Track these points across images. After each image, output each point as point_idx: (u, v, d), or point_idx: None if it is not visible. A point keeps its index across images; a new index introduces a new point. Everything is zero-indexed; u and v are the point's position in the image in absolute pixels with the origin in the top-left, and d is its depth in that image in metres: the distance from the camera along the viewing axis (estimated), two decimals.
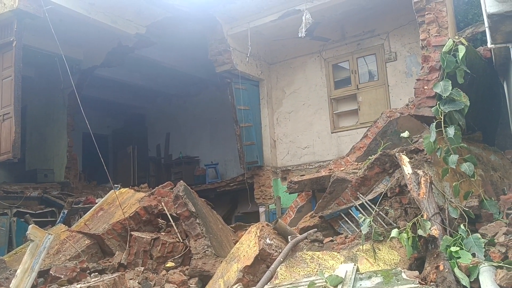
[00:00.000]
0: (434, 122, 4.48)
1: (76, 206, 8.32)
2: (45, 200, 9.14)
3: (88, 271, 5.45)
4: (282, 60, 11.10)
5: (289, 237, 4.95)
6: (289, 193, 7.08)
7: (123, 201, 6.80)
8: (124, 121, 15.28)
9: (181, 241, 6.45)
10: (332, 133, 10.33)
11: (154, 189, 7.48)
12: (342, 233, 5.17)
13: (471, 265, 3.34)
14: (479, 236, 3.57)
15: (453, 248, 3.51)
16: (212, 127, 13.88)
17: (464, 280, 3.29)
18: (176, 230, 6.60)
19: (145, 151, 14.92)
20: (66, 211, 7.98)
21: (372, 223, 4.33)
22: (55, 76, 9.73)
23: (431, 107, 4.78)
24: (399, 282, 2.84)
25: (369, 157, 5.46)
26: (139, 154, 13.92)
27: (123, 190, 7.36)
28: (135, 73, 12.58)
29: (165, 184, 7.62)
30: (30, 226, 4.46)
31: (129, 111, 15.09)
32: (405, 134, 5.13)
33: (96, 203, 7.63)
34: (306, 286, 3.28)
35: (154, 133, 15.30)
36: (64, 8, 8.26)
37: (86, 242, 6.34)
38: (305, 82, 10.69)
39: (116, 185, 7.63)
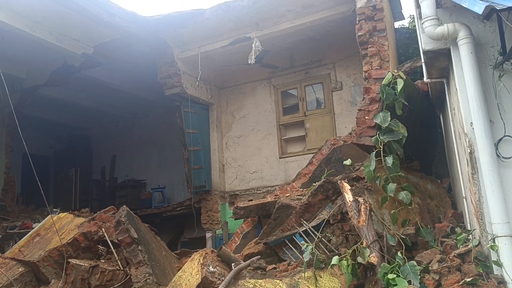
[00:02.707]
0: (374, 151, 4.62)
1: (11, 231, 7.85)
2: None
3: None
4: (232, 85, 11.19)
5: (232, 264, 4.91)
6: (235, 219, 7.05)
7: (61, 227, 6.51)
8: (68, 142, 14.77)
9: (122, 269, 6.22)
10: (280, 158, 10.44)
11: (96, 214, 7.22)
12: (286, 260, 5.18)
13: None
14: (415, 263, 3.67)
15: (390, 276, 3.59)
16: (159, 150, 13.68)
17: None
18: (117, 258, 6.37)
19: (89, 174, 14.42)
20: (0, 236, 7.52)
21: (314, 250, 4.37)
22: None
23: (372, 136, 4.94)
24: None
25: (314, 183, 5.55)
26: (82, 176, 13.46)
27: (62, 215, 7.05)
28: (81, 93, 12.24)
29: (107, 208, 7.39)
30: None
31: (74, 132, 14.62)
32: (348, 162, 5.26)
33: (33, 228, 7.25)
34: None
35: (99, 155, 14.85)
36: (6, 25, 7.96)
37: (20, 269, 5.99)
38: (255, 107, 10.80)
39: (55, 209, 7.32)
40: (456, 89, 3.89)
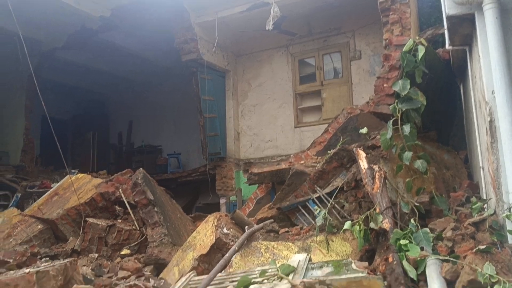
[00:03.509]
0: (391, 119, 4.58)
1: (31, 190, 8.07)
2: None
3: (39, 256, 5.30)
4: (249, 52, 11.09)
5: (246, 227, 4.98)
6: (249, 185, 7.11)
7: (79, 187, 6.65)
8: (85, 107, 14.91)
9: (138, 229, 6.37)
10: (295, 127, 10.42)
11: (113, 176, 7.35)
12: (298, 225, 5.23)
13: (419, 258, 3.44)
14: (428, 230, 3.67)
15: (402, 241, 3.60)
16: (175, 117, 13.75)
17: (412, 273, 3.39)
18: (133, 218, 6.51)
19: (106, 139, 14.62)
20: (19, 195, 7.73)
21: (327, 215, 4.41)
22: (14, 56, 9.37)
23: (390, 104, 4.88)
24: (348, 272, 2.90)
25: (328, 151, 5.54)
26: (99, 141, 13.64)
27: (80, 175, 7.19)
28: (98, 57, 12.27)
29: (124, 171, 7.50)
30: None
31: (91, 97, 14.73)
32: (364, 130, 5.22)
33: (52, 187, 7.43)
34: (259, 275, 3.30)
35: (116, 121, 15.00)
36: None
37: (39, 227, 6.17)
38: (271, 75, 10.73)
39: (73, 170, 7.45)
40: (479, 56, 3.80)
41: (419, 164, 4.37)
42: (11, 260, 4.90)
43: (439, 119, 5.87)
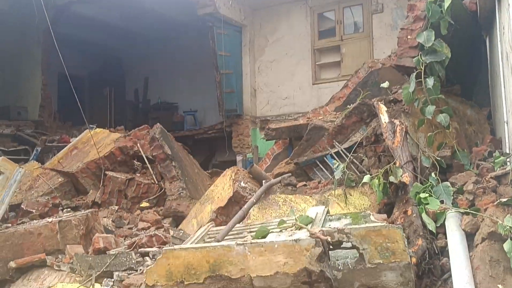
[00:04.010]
0: (414, 72, 4.45)
1: (50, 144, 8.18)
2: (18, 138, 8.97)
3: (61, 207, 5.43)
4: (266, 6, 10.80)
5: (263, 181, 4.99)
6: (266, 140, 7.09)
7: (98, 141, 6.71)
8: (101, 63, 14.83)
9: (156, 182, 6.46)
10: (313, 84, 10.27)
11: (131, 131, 7.41)
12: (315, 180, 5.23)
13: (438, 211, 3.42)
14: (449, 184, 3.63)
15: (422, 195, 3.57)
16: (191, 73, 13.62)
17: (431, 225, 3.38)
18: (152, 172, 6.60)
19: (122, 95, 14.63)
20: (39, 149, 7.85)
21: (345, 169, 4.38)
22: (29, 10, 9.27)
23: (413, 57, 4.73)
24: (367, 223, 2.90)
25: (348, 106, 5.46)
26: (116, 97, 13.66)
27: (98, 130, 7.26)
28: (113, 12, 12.07)
29: (141, 127, 7.55)
30: (0, 158, 4.37)
31: (107, 52, 14.63)
32: (385, 84, 5.10)
33: (71, 142, 7.52)
34: (277, 225, 3.32)
35: (132, 77, 14.95)
36: None
37: (60, 180, 6.30)
38: (289, 30, 10.48)
39: (91, 125, 7.50)
40: (508, 4, 3.62)
41: (441, 118, 4.27)
42: (34, 210, 5.04)
43: (463, 74, 5.68)
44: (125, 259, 3.77)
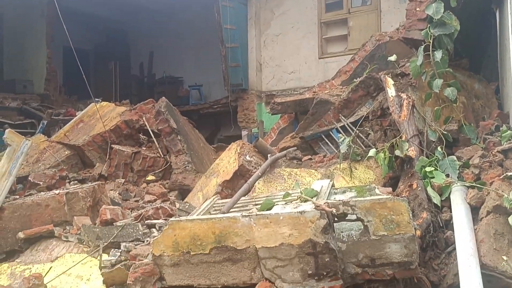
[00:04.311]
0: (422, 45, 4.40)
1: (56, 117, 8.21)
2: (24, 111, 8.99)
3: (68, 180, 5.48)
4: None
5: (268, 155, 5.00)
6: (272, 114, 7.07)
7: (103, 114, 6.73)
8: (106, 36, 14.70)
9: (162, 156, 6.49)
10: (319, 58, 10.16)
11: (136, 105, 7.40)
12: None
13: (443, 185, 3.42)
14: (455, 158, 3.63)
15: (428, 169, 3.57)
16: (196, 47, 13.48)
17: (436, 199, 3.39)
18: (157, 146, 6.62)
19: (127, 69, 14.55)
20: (45, 122, 7.88)
21: (351, 143, 4.38)
22: None
23: (421, 30, 4.66)
24: (372, 196, 2.90)
25: (354, 80, 5.41)
26: (121, 71, 13.60)
27: (104, 103, 7.26)
28: None
29: (147, 101, 7.54)
30: (6, 130, 4.39)
31: (111, 26, 14.48)
32: (393, 57, 5.04)
33: (77, 115, 7.54)
34: (282, 197, 3.34)
35: (137, 51, 14.83)
36: None
37: (66, 152, 6.34)
38: (295, 3, 10.31)
39: (97, 99, 7.50)
40: None
41: (449, 92, 4.24)
42: (41, 183, 5.09)
43: (472, 47, 5.60)
44: (132, 231, 3.81)
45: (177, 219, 2.92)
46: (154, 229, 3.96)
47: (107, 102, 7.40)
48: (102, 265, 3.06)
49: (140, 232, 3.83)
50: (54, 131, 7.66)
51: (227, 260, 2.79)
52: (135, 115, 6.78)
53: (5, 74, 10.49)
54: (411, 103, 4.18)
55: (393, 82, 4.51)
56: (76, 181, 5.49)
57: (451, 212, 3.26)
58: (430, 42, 4.34)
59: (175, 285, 2.87)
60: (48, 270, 3.46)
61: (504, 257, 2.61)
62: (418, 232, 3.03)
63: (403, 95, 4.28)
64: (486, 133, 4.04)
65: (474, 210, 3.16)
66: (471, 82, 5.07)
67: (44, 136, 6.90)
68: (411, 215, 2.60)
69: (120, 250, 3.36)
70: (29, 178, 5.19)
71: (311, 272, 2.66)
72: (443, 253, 3.14)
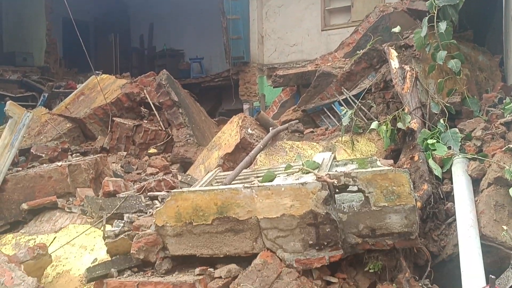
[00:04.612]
0: (427, 16, 4.33)
1: (57, 90, 8.17)
2: (25, 84, 8.96)
3: (70, 152, 5.50)
4: None
5: (270, 128, 4.99)
6: (274, 87, 7.03)
7: (104, 87, 6.69)
8: (106, 8, 14.49)
9: (164, 129, 6.49)
10: (322, 30, 10.02)
11: (137, 78, 7.36)
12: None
13: (445, 157, 3.42)
14: (457, 130, 3.62)
15: (430, 141, 3.57)
16: (197, 19, 13.29)
17: (437, 171, 3.40)
18: (159, 119, 6.62)
19: (127, 41, 14.41)
20: (46, 95, 7.85)
21: (353, 116, 4.36)
22: None
23: (426, 0, 4.59)
24: (373, 168, 2.91)
25: (357, 52, 5.35)
26: (121, 43, 13.46)
27: (104, 76, 7.22)
28: None
29: (147, 73, 7.49)
30: (8, 102, 4.37)
31: None
32: (397, 29, 4.98)
33: (77, 88, 7.50)
34: (283, 170, 3.35)
35: (137, 23, 14.65)
36: None
37: (68, 125, 6.34)
38: None
39: (97, 72, 7.45)
40: None
41: (452, 64, 4.19)
42: (43, 155, 5.11)
43: (477, 19, 5.52)
44: (134, 202, 3.84)
45: (179, 190, 2.93)
46: (156, 201, 3.99)
47: (108, 75, 7.35)
48: (105, 235, 3.09)
49: (142, 204, 3.86)
50: (55, 104, 7.64)
51: (229, 230, 2.82)
52: (136, 87, 6.75)
53: (4, 46, 10.40)
54: (414, 75, 4.15)
55: (396, 54, 4.46)
56: (78, 154, 5.51)
57: (452, 184, 3.27)
58: (434, 13, 4.27)
59: (178, 254, 2.91)
60: (52, 241, 3.50)
61: (504, 227, 2.63)
62: (419, 204, 3.05)
63: (407, 67, 4.25)
64: (489, 106, 4.03)
65: (475, 182, 3.17)
66: (475, 54, 5.02)
67: (45, 109, 6.89)
68: (412, 186, 2.61)
69: (123, 221, 3.38)
70: (31, 151, 5.20)
71: (312, 242, 2.69)
72: (443, 224, 3.17)
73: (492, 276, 1.80)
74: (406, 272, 2.71)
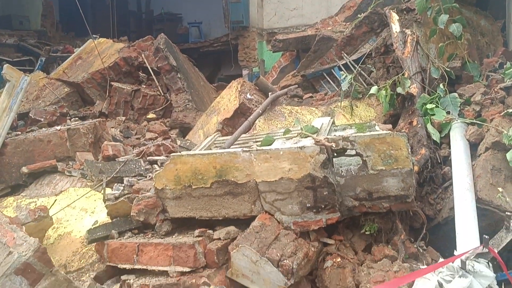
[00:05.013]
0: None
1: (54, 54, 8.08)
2: (21, 48, 8.84)
3: (68, 117, 5.49)
4: None
5: (269, 93, 4.97)
6: (273, 52, 6.94)
7: (101, 51, 6.62)
8: None
9: (162, 94, 6.46)
10: None
11: (134, 42, 7.27)
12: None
13: (444, 122, 3.43)
14: (457, 95, 3.60)
15: (429, 106, 3.57)
16: None
17: (435, 135, 3.41)
18: (157, 84, 6.58)
19: (125, 5, 14.14)
20: (44, 59, 7.76)
21: (353, 80, 4.33)
22: None
23: None
24: (371, 132, 2.91)
25: (358, 16, 5.27)
26: (118, 7, 13.21)
27: (102, 40, 7.12)
28: None
29: (145, 38, 7.40)
30: (5, 65, 4.33)
31: None
32: None
33: (75, 52, 7.41)
34: (282, 134, 3.36)
35: None
36: None
37: (66, 90, 6.30)
38: None
39: (94, 35, 7.34)
40: None
41: (454, 28, 4.13)
42: (42, 119, 5.11)
43: None
44: (134, 166, 3.87)
45: (178, 154, 2.94)
46: (156, 165, 4.01)
47: (105, 39, 7.25)
48: (105, 198, 3.12)
49: (142, 168, 3.89)
50: (52, 68, 7.57)
51: (228, 193, 2.85)
52: (133, 52, 6.68)
53: (0, 9, 10.20)
54: (415, 39, 4.10)
55: (398, 18, 4.40)
56: (76, 118, 5.50)
57: (450, 149, 3.29)
58: None
59: (177, 217, 2.95)
60: (53, 203, 3.54)
61: (500, 189, 2.66)
62: (416, 168, 3.08)
63: (408, 31, 4.19)
64: (490, 71, 4.00)
65: (473, 147, 3.19)
66: (477, 19, 4.94)
67: (43, 73, 6.83)
68: (409, 150, 2.62)
69: (123, 185, 3.42)
70: (30, 115, 5.19)
71: (309, 205, 2.73)
72: (439, 188, 3.21)
73: (486, 236, 1.83)
74: (401, 234, 2.76)
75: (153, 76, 6.53)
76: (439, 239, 3.03)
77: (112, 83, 6.27)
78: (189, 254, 2.66)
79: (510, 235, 1.97)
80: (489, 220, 2.81)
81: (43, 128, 4.69)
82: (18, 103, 4.19)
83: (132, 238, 2.93)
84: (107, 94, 6.25)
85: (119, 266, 2.86)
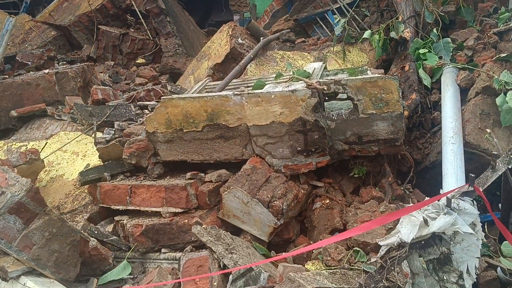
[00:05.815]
0: None
1: None
2: None
3: (56, 61, 5.38)
4: None
5: (261, 38, 4.88)
6: None
7: None
8: None
9: (151, 39, 6.32)
10: None
11: None
12: None
13: (435, 67, 3.42)
14: (449, 40, 3.57)
15: (421, 50, 3.54)
16: None
17: (426, 80, 3.41)
18: (146, 28, 6.41)
19: None
20: (28, 1, 7.48)
21: (346, 24, 4.26)
22: None
23: None
24: (363, 76, 2.90)
25: None
26: None
27: None
28: None
29: None
30: None
31: None
32: None
33: None
34: (274, 79, 3.34)
35: None
36: None
37: (52, 33, 6.13)
38: None
39: None
40: None
41: None
42: (29, 63, 5.01)
43: None
44: (124, 111, 3.84)
45: (169, 97, 2.92)
46: (146, 110, 3.99)
47: None
48: (97, 141, 3.13)
49: (132, 113, 3.87)
50: (38, 11, 7.31)
51: (219, 137, 2.86)
52: None
53: None
54: None
55: None
56: (64, 62, 5.38)
57: (440, 94, 3.30)
58: None
59: (169, 160, 2.98)
60: (44, 147, 3.54)
61: (488, 130, 2.69)
62: (406, 113, 3.10)
63: None
64: (484, 16, 3.94)
65: (464, 92, 3.20)
66: None
67: (28, 16, 6.60)
68: (400, 94, 2.63)
69: (113, 129, 3.41)
70: (17, 58, 5.07)
71: (300, 148, 2.76)
72: (428, 133, 3.25)
73: (472, 175, 1.88)
74: (389, 176, 2.82)
75: (142, 20, 6.35)
76: (426, 182, 3.10)
77: (100, 26, 6.10)
78: (181, 196, 2.71)
79: (496, 175, 2.03)
80: (476, 163, 2.87)
81: (31, 72, 4.61)
82: (3, 46, 4.10)
83: (125, 181, 2.96)
84: (95, 38, 6.09)
85: (112, 207, 2.91)
